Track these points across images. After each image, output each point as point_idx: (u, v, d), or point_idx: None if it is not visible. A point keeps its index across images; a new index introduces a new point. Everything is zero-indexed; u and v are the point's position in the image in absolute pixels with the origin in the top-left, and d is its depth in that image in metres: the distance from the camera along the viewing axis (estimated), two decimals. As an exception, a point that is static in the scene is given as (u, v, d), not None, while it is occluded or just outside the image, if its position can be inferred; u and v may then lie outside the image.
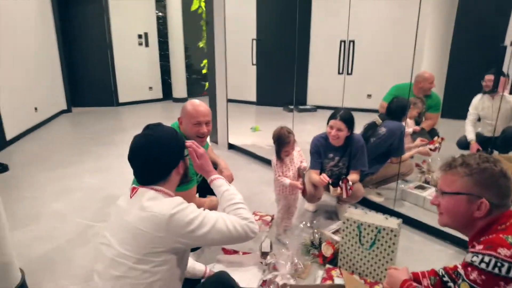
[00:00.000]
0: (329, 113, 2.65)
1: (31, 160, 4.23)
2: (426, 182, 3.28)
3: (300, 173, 2.41)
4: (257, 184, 3.55)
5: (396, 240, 2.01)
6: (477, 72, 3.67)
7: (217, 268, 2.15)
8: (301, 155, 2.56)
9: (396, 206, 2.92)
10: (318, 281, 2.08)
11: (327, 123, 2.61)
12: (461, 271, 1.15)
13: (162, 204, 1.20)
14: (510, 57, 3.01)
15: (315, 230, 2.45)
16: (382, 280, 2.06)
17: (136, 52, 7.38)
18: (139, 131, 1.36)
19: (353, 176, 2.61)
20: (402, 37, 5.60)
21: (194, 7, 4.69)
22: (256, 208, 3.02)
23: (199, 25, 4.90)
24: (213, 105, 4.69)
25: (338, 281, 2.02)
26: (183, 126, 2.11)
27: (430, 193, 3.02)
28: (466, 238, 1.27)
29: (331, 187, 2.50)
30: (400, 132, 2.90)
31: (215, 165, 2.43)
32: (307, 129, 3.41)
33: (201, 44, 4.87)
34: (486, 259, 1.06)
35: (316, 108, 6.79)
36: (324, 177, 2.50)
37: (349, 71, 3.15)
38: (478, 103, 3.64)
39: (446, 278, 1.45)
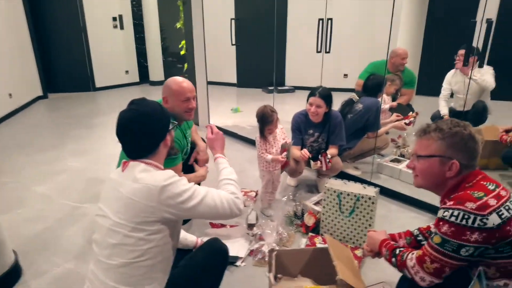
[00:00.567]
0: (307, 93, 2.75)
1: (9, 146, 4.17)
2: (402, 155, 3.44)
3: (286, 147, 2.49)
4: (241, 162, 3.64)
5: (374, 207, 2.14)
6: (452, 49, 3.80)
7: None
8: (283, 133, 2.65)
9: (373, 178, 3.07)
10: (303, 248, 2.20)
11: (307, 101, 2.71)
12: (434, 229, 1.27)
13: (155, 175, 1.26)
14: (479, 33, 3.14)
15: (298, 202, 2.58)
16: (361, 245, 2.21)
17: (111, 35, 7.21)
18: (118, 114, 1.36)
19: (331, 151, 2.74)
20: (378, 14, 5.71)
21: (170, -13, 4.64)
22: (241, 185, 3.03)
23: (175, 6, 4.83)
24: (193, 87, 4.69)
25: (320, 246, 2.15)
26: (169, 104, 2.12)
27: (405, 165, 3.19)
28: (438, 205, 1.38)
29: (311, 161, 2.62)
30: (376, 108, 3.03)
31: (194, 145, 2.48)
32: (285, 109, 3.50)
33: (178, 25, 4.82)
34: (456, 212, 1.18)
35: (294, 88, 6.88)
36: (305, 152, 2.61)
37: (327, 50, 3.23)
38: (451, 78, 3.78)
39: (420, 237, 1.58)
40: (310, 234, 2.35)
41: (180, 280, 1.34)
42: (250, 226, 2.34)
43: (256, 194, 2.91)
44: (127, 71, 7.67)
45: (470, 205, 1.16)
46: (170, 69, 8.09)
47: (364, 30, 5.99)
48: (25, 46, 6.06)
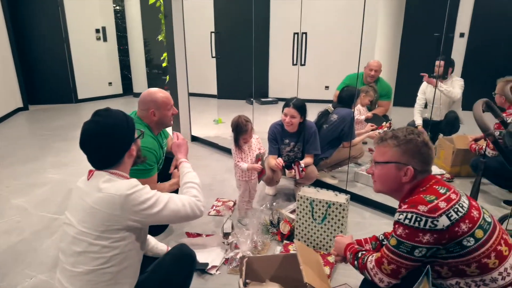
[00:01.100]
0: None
1: (-13, 158, 4.12)
2: (377, 164, 3.51)
3: (260, 157, 2.55)
4: (221, 172, 3.68)
5: (345, 213, 2.21)
6: (427, 62, 3.93)
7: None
8: (259, 143, 2.71)
9: (349, 186, 3.15)
10: (276, 256, 2.24)
11: (282, 111, 2.79)
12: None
13: (118, 185, 1.29)
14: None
15: (274, 211, 2.63)
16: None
17: (94, 47, 7.22)
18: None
19: (306, 160, 2.81)
20: (355, 28, 5.87)
21: (152, 0, 4.70)
22: (219, 195, 3.15)
23: (158, 19, 4.91)
24: (174, 98, 4.70)
25: (291, 253, 2.19)
26: (156, 117, 2.18)
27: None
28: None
29: (286, 170, 2.68)
30: (350, 118, 3.13)
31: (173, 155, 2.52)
32: (268, 120, 3.57)
33: (160, 38, 4.89)
34: (409, 215, 1.25)
35: (278, 100, 6.98)
36: (279, 161, 2.67)
37: (303, 62, 3.33)
38: (426, 87, 3.91)
39: (385, 242, 1.65)
40: (285, 241, 2.40)
41: (147, 284, 1.37)
42: (226, 235, 2.37)
43: (234, 204, 2.95)
44: (110, 83, 7.66)
45: (422, 208, 1.23)
46: (154, 81, 8.13)
47: (341, 43, 6.15)
48: (5, 57, 6.02)
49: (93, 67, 7.26)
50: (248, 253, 2.18)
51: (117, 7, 7.58)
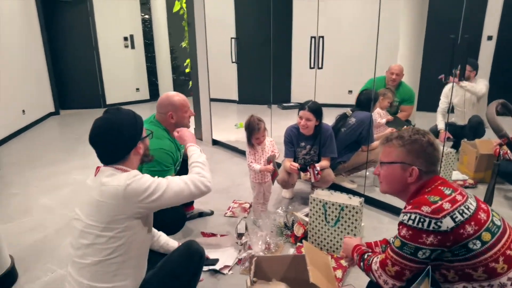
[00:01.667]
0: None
1: (19, 160, 4.35)
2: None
3: (272, 159, 2.57)
4: (239, 175, 3.72)
5: (358, 216, 2.19)
6: (451, 65, 3.83)
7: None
8: (273, 145, 2.73)
9: (367, 191, 3.10)
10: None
11: (298, 114, 2.80)
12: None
13: (119, 177, 1.35)
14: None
15: (288, 213, 2.63)
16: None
17: (122, 54, 7.49)
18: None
19: (323, 163, 2.80)
20: (380, 32, 5.79)
21: (175, 8, 4.84)
22: (237, 197, 3.19)
23: (183, 26, 5.05)
24: (196, 103, 4.85)
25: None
26: (174, 120, 2.26)
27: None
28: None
29: (301, 173, 2.68)
30: (368, 121, 3.09)
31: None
32: (288, 125, 3.60)
33: (183, 44, 5.02)
34: (413, 216, 1.23)
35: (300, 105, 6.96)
36: (293, 165, 2.68)
37: (320, 66, 3.34)
38: (449, 91, 3.80)
39: (394, 244, 1.62)
40: (298, 244, 2.40)
41: (154, 280, 1.41)
42: (239, 236, 2.40)
43: (250, 206, 2.97)
44: (137, 89, 7.91)
45: (425, 209, 1.21)
46: (180, 87, 8.33)
47: (363, 47, 6.08)
48: (39, 64, 6.37)
49: (121, 73, 7.53)
50: (260, 254, 2.20)
51: (145, 16, 7.83)
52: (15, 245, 2.47)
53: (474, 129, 3.58)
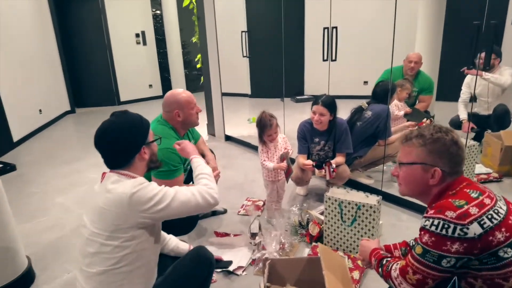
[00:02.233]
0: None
1: (37, 159, 4.40)
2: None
3: (285, 156, 2.49)
4: (252, 172, 3.66)
5: (376, 216, 2.09)
6: (471, 53, 3.66)
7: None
8: (286, 142, 2.65)
9: (385, 187, 2.99)
10: (304, 258, 2.18)
11: (311, 109, 2.70)
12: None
13: (124, 185, 1.30)
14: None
15: (303, 211, 2.56)
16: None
17: (135, 51, 7.49)
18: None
19: (338, 159, 2.70)
20: (392, 21, 5.60)
21: (185, 3, 4.77)
22: (250, 194, 3.13)
23: (193, 21, 4.98)
24: (208, 98, 4.79)
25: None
26: (181, 117, 2.21)
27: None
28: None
29: (316, 170, 2.60)
30: (385, 114, 2.97)
31: (203, 156, 2.53)
32: (302, 118, 3.48)
33: (194, 39, 4.96)
34: (436, 222, 1.14)
35: (314, 97, 6.84)
36: (308, 162, 2.60)
37: (333, 58, 3.22)
38: (471, 80, 3.64)
39: (415, 249, 1.53)
40: (314, 244, 2.33)
41: (163, 287, 1.37)
42: (253, 235, 2.34)
43: (264, 204, 2.91)
44: (150, 85, 7.92)
45: (450, 214, 1.12)
46: (192, 82, 8.31)
47: (378, 36, 5.91)
48: (54, 63, 6.43)
49: (134, 70, 7.54)
50: (274, 255, 2.14)
51: (156, 11, 7.79)
52: (33, 245, 2.49)
53: (501, 119, 3.41)
